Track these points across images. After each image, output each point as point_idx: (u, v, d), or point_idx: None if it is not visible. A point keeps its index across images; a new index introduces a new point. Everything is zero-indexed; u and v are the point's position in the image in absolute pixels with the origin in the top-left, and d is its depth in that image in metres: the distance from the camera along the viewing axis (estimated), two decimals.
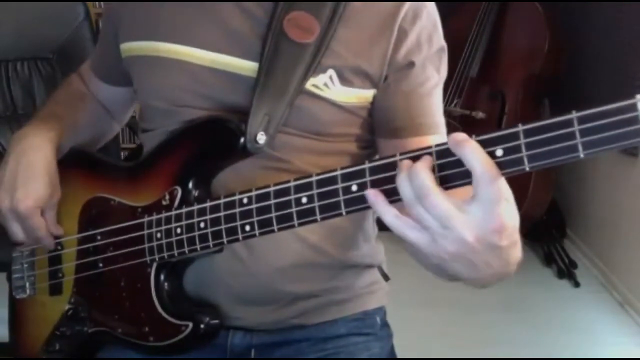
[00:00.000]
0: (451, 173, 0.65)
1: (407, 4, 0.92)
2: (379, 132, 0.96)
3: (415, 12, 0.92)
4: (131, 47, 0.99)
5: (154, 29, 0.96)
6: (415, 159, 0.66)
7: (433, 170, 0.65)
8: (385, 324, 1.09)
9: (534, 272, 2.92)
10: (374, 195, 0.68)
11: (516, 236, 0.67)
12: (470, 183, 0.64)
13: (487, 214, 0.63)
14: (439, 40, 0.96)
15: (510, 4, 2.90)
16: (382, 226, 1.10)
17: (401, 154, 0.68)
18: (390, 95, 0.93)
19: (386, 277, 1.08)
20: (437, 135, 0.93)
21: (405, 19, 0.91)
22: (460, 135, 0.63)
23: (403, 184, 0.65)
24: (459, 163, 0.64)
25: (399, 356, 1.10)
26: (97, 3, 3.55)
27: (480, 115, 2.85)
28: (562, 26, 2.85)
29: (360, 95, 0.92)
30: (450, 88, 2.89)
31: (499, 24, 2.91)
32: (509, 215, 0.63)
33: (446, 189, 0.65)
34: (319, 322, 1.01)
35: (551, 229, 3.08)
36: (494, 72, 2.91)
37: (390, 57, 0.91)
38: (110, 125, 1.19)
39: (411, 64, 0.92)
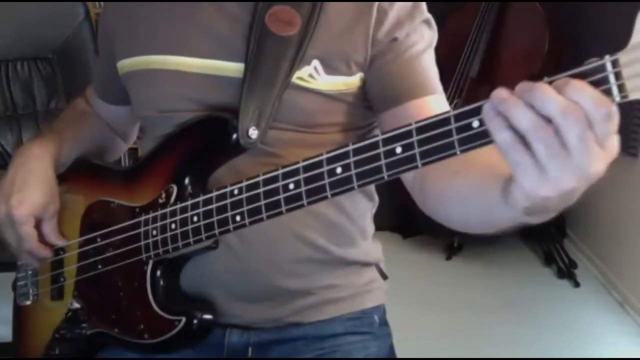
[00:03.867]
0: (432, 147, 0.65)
1: None
2: (378, 107, 0.95)
3: None
4: (125, 64, 1.01)
5: (144, 44, 0.98)
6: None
7: (412, 145, 0.65)
8: (384, 323, 1.09)
9: (534, 272, 2.93)
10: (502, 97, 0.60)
11: None
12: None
13: (608, 144, 0.58)
14: (422, 14, 0.95)
15: (510, 4, 2.90)
16: (380, 225, 1.10)
17: (383, 133, 0.69)
18: (379, 69, 0.93)
19: (384, 276, 1.08)
20: (435, 95, 0.93)
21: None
22: (525, 84, 0.59)
23: (523, 112, 0.58)
24: (441, 135, 0.64)
25: (398, 356, 1.10)
26: (97, 3, 3.55)
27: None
28: (562, 26, 2.85)
29: (346, 82, 0.92)
30: (450, 88, 2.89)
31: (499, 24, 2.91)
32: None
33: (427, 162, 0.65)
34: (316, 321, 1.01)
35: (551, 229, 3.08)
36: (494, 72, 2.91)
37: (373, 37, 0.92)
38: (114, 141, 1.20)
39: (394, 40, 0.93)
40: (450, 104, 0.97)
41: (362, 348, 1.02)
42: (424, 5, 0.96)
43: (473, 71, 2.92)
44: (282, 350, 1.00)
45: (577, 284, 2.80)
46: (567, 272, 2.86)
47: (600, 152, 0.58)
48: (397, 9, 0.93)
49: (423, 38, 0.95)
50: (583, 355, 2.30)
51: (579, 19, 2.99)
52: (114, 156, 1.22)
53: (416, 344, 1.98)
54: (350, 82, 0.93)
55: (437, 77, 0.96)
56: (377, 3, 0.91)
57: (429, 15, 0.96)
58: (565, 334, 2.45)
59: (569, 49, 2.87)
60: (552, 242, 3.02)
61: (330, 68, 0.91)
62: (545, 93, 0.57)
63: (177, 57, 0.95)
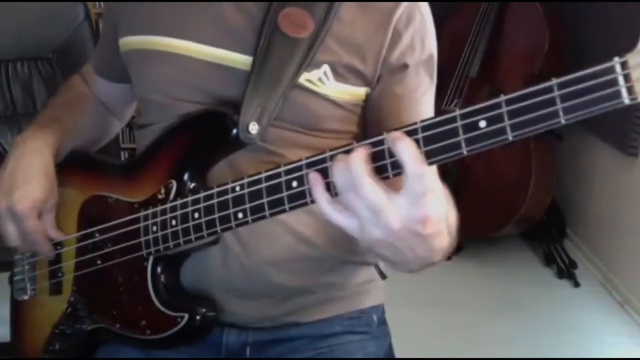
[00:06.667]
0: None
1: (402, 5, 0.93)
2: (369, 130, 0.97)
3: (409, 14, 0.94)
4: (129, 42, 1.00)
5: (152, 24, 0.97)
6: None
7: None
8: (382, 323, 1.09)
9: (534, 272, 2.92)
10: (314, 178, 0.71)
11: (441, 226, 0.71)
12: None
13: (413, 205, 0.67)
14: (431, 46, 0.97)
15: (510, 4, 2.90)
16: None
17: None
18: (384, 97, 0.95)
19: (383, 275, 1.08)
20: None
21: (400, 20, 0.93)
22: (397, 133, 0.67)
23: (338, 172, 0.69)
24: (447, 134, 0.66)
25: (397, 355, 1.10)
26: (97, 3, 3.55)
27: None
28: (562, 26, 2.85)
29: (353, 92, 0.93)
30: (450, 88, 2.89)
31: (499, 24, 2.91)
32: (435, 207, 0.67)
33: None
34: (314, 320, 1.01)
35: (551, 229, 3.08)
36: (494, 72, 2.91)
37: (384, 57, 0.93)
38: (111, 124, 1.20)
39: (405, 67, 0.94)
40: (450, 103, 0.99)
41: (361, 347, 1.03)
42: (433, 35, 0.97)
43: (473, 71, 2.92)
44: (280, 349, 1.00)
45: (577, 284, 2.80)
46: (567, 272, 2.86)
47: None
48: (410, 33, 0.94)
49: (431, 77, 0.97)
50: (583, 355, 2.30)
51: (579, 19, 2.99)
52: (108, 138, 1.22)
53: (415, 344, 1.98)
54: (356, 92, 0.94)
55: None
56: (393, 23, 0.92)
57: (435, 51, 0.98)
58: (565, 334, 2.45)
59: (569, 49, 2.86)
60: (552, 242, 3.02)
61: (339, 75, 0.92)
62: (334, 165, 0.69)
63: (185, 41, 0.94)
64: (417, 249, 0.72)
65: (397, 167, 0.68)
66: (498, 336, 2.42)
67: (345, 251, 1.01)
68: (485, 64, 2.92)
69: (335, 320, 1.02)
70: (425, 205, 0.66)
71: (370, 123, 0.97)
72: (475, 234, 2.76)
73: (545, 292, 2.77)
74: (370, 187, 0.67)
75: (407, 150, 0.66)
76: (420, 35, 0.95)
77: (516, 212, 2.82)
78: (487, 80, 2.92)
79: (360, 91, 0.94)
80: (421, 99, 0.97)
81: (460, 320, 2.51)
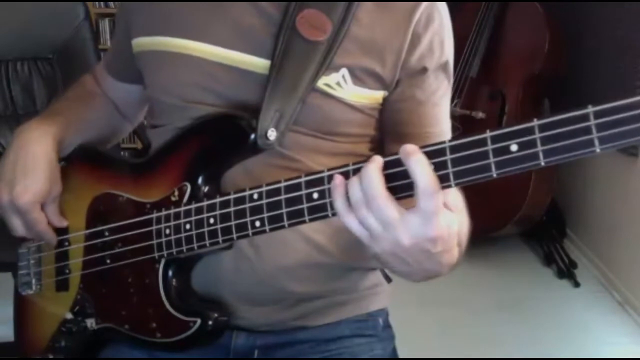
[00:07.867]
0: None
1: (422, 6, 0.91)
2: (385, 133, 0.96)
3: (428, 15, 0.92)
4: (143, 42, 0.99)
5: (167, 25, 0.95)
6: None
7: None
8: (387, 326, 1.09)
9: (534, 272, 2.93)
10: (338, 182, 0.70)
11: (451, 243, 0.71)
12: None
13: (424, 224, 0.67)
14: (450, 47, 0.96)
15: (510, 4, 2.90)
16: None
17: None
18: (402, 100, 0.93)
19: (388, 279, 1.08)
20: None
21: (419, 22, 0.91)
22: (410, 147, 0.66)
23: (354, 185, 0.68)
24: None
25: (399, 356, 1.10)
26: (97, 3, 3.56)
27: (480, 115, 2.85)
28: (563, 26, 2.85)
29: (371, 96, 0.92)
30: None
31: (499, 24, 2.91)
32: (446, 225, 0.68)
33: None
34: (322, 324, 1.01)
35: (551, 229, 3.08)
36: (494, 72, 2.91)
37: (404, 61, 0.91)
38: (121, 123, 1.19)
39: (424, 70, 0.93)
40: (450, 104, 0.98)
41: (368, 350, 1.02)
42: (451, 37, 0.96)
43: (473, 71, 2.92)
44: (288, 352, 1.00)
45: (577, 284, 2.80)
46: (567, 272, 2.86)
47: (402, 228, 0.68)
48: (429, 35, 0.92)
49: (449, 80, 0.97)
50: (583, 355, 2.30)
51: (579, 19, 2.99)
52: (118, 139, 1.21)
53: (415, 343, 1.98)
54: (373, 96, 0.92)
55: (449, 120, 0.98)
56: (412, 26, 0.91)
57: (452, 55, 0.97)
58: (565, 334, 2.45)
59: (569, 49, 2.87)
60: (552, 242, 3.02)
61: (357, 79, 0.90)
62: (350, 182, 0.69)
63: (200, 43, 0.92)
64: (424, 264, 0.72)
65: (411, 188, 0.67)
66: (498, 336, 2.42)
67: (357, 258, 0.99)
68: (485, 64, 2.92)
69: (343, 323, 1.02)
70: (437, 224, 0.66)
71: (387, 126, 0.95)
72: (475, 234, 2.76)
73: (545, 292, 2.77)
74: (384, 201, 0.67)
75: (420, 168, 0.65)
76: (440, 37, 0.93)
77: (516, 212, 2.82)
78: (487, 80, 2.92)
79: (378, 95, 0.92)
80: (439, 102, 0.95)
81: (459, 320, 2.52)
